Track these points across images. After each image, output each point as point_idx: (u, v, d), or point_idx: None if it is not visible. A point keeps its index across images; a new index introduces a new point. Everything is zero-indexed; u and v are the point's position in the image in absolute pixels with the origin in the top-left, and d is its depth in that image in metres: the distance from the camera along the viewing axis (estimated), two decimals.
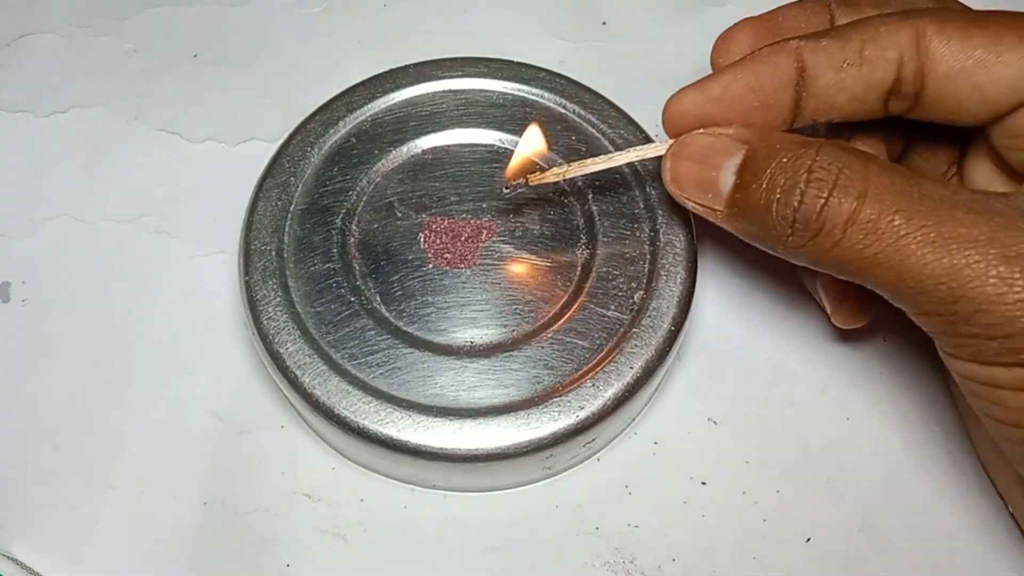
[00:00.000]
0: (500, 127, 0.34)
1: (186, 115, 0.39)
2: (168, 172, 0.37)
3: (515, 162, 0.31)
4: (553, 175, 0.30)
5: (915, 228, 0.23)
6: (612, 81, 0.36)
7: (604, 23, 0.42)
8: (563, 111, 0.34)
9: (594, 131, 0.33)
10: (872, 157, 0.24)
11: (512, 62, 0.35)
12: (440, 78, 0.34)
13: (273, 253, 0.30)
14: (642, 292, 0.30)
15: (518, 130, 0.33)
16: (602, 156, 0.30)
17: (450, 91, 0.34)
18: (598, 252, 0.31)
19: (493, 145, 0.33)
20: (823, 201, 0.24)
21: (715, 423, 0.32)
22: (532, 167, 0.31)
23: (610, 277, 0.31)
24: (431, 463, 0.28)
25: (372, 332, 0.29)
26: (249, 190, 0.32)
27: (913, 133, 0.29)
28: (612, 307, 0.30)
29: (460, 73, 0.34)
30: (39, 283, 0.34)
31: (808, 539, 0.30)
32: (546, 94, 0.34)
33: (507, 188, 0.31)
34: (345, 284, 0.30)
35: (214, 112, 0.39)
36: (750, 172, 0.26)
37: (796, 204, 0.24)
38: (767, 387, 0.33)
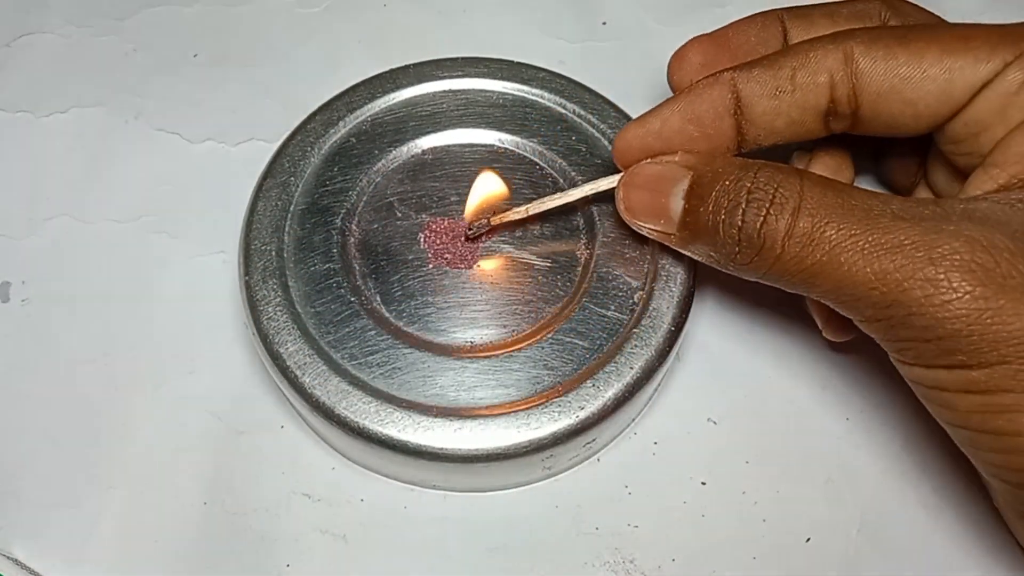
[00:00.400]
0: (500, 127, 0.34)
1: (186, 115, 0.39)
2: (168, 172, 0.37)
3: (474, 204, 0.32)
4: (515, 214, 0.31)
5: (845, 237, 0.24)
6: (612, 81, 0.36)
7: (604, 23, 0.42)
8: (563, 111, 0.34)
9: (594, 131, 0.34)
10: (807, 174, 0.26)
11: (512, 62, 0.35)
12: (440, 78, 0.34)
13: (273, 253, 0.30)
14: (642, 292, 0.30)
15: (518, 130, 0.33)
16: (559, 193, 0.31)
17: (450, 91, 0.34)
18: (598, 252, 0.31)
19: (493, 145, 0.33)
20: (762, 218, 0.25)
21: (715, 423, 0.32)
22: (493, 206, 0.32)
23: (610, 277, 0.31)
24: (431, 463, 0.28)
25: (372, 332, 0.29)
26: (249, 190, 0.32)
27: (882, 143, 0.29)
28: (612, 307, 0.30)
29: (460, 73, 0.34)
30: (39, 283, 0.34)
31: (808, 539, 0.30)
32: (546, 94, 0.34)
33: (470, 230, 0.31)
34: (345, 284, 0.30)
35: (214, 112, 0.39)
36: (697, 196, 0.27)
37: (740, 223, 0.25)
38: (767, 387, 0.33)
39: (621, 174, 0.30)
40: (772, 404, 0.32)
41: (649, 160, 0.29)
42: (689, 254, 0.29)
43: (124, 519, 0.30)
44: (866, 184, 0.35)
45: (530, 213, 0.31)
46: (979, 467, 0.26)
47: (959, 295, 0.22)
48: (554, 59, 0.40)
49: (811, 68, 0.27)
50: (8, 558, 0.29)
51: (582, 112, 0.34)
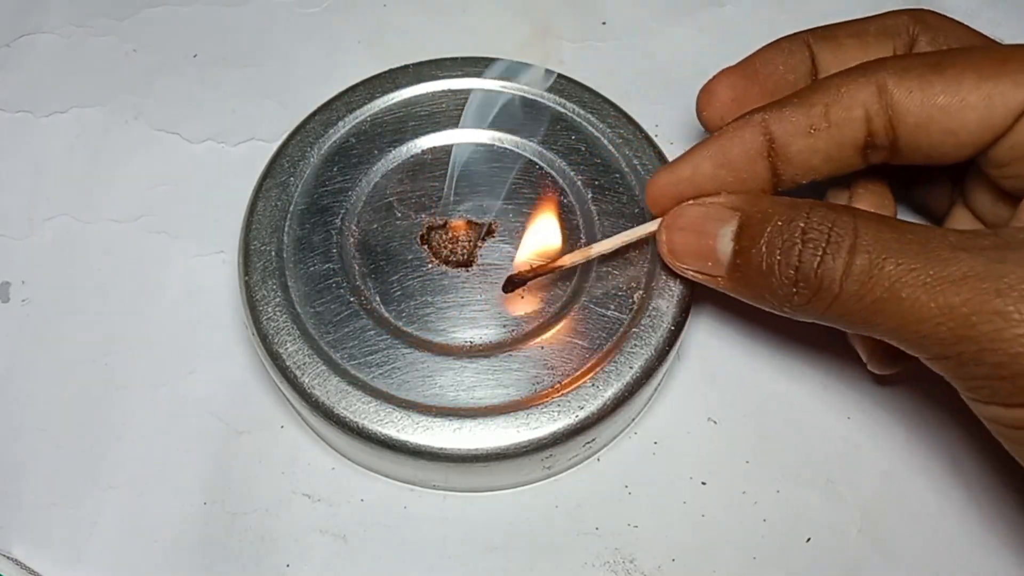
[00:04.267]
0: (499, 127, 0.34)
1: (186, 115, 0.39)
2: (168, 172, 0.37)
3: (524, 256, 0.31)
4: (566, 261, 0.30)
5: (905, 272, 0.23)
6: (612, 81, 0.36)
7: (604, 23, 0.42)
8: (563, 111, 0.34)
9: (594, 131, 0.34)
10: (859, 211, 0.25)
11: (511, 62, 0.35)
12: (439, 78, 0.34)
13: (273, 253, 0.30)
14: (642, 292, 0.30)
15: (517, 130, 0.33)
16: (597, 243, 0.30)
17: (449, 91, 0.34)
18: None
19: (492, 145, 0.33)
20: (819, 259, 0.24)
21: (715, 423, 0.32)
22: (539, 258, 0.31)
23: (610, 277, 0.31)
24: (431, 463, 0.28)
25: (372, 332, 0.29)
26: (249, 190, 0.32)
27: (913, 170, 0.29)
28: (612, 307, 0.30)
29: (459, 73, 0.34)
30: (39, 283, 0.34)
31: (808, 539, 0.30)
32: (545, 94, 0.34)
33: (510, 285, 0.30)
34: (345, 284, 0.30)
35: (214, 112, 0.39)
36: (748, 237, 0.26)
37: (796, 264, 0.25)
38: (767, 387, 0.33)
39: (660, 219, 0.29)
40: (772, 404, 0.32)
41: (692, 202, 0.28)
42: (737, 296, 0.28)
43: (124, 519, 0.30)
44: (899, 213, 0.35)
45: (568, 266, 0.30)
46: None
47: None
48: (554, 59, 0.40)
49: (845, 103, 0.26)
50: (8, 558, 0.29)
51: (581, 111, 0.34)
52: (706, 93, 0.31)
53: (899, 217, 0.33)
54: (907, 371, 0.32)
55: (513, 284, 0.30)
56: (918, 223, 0.25)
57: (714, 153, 0.28)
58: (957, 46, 0.29)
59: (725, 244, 0.27)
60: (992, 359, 0.22)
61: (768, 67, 0.31)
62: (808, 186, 0.29)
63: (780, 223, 0.25)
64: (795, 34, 0.31)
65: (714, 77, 0.31)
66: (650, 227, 0.29)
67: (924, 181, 0.33)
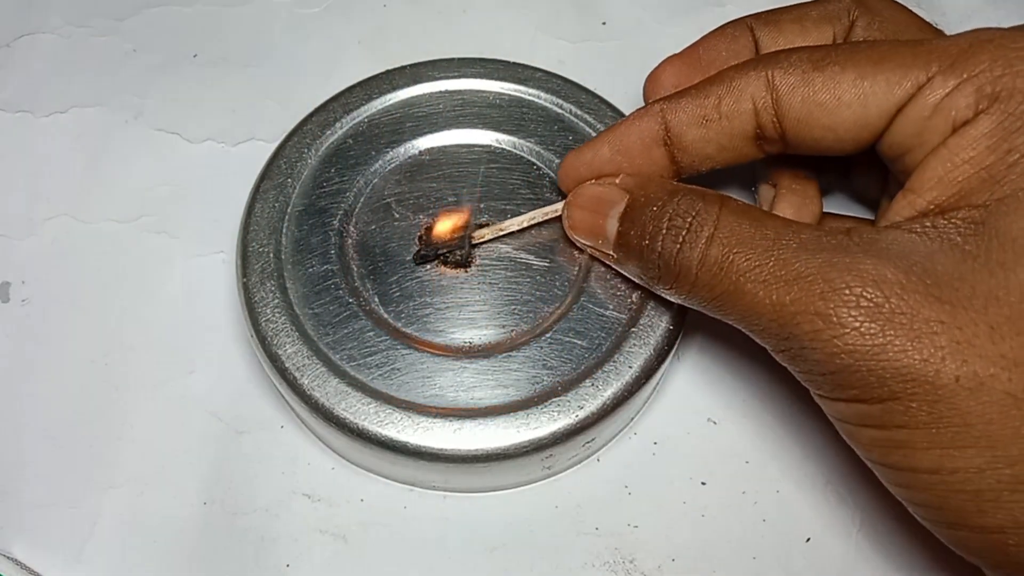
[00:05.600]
0: (497, 127, 0.34)
1: (186, 115, 0.39)
2: (168, 172, 0.37)
3: (440, 230, 0.32)
4: (476, 236, 0.31)
5: (751, 267, 0.24)
6: (612, 81, 0.36)
7: (604, 23, 0.42)
8: (560, 111, 0.34)
9: (591, 131, 0.34)
10: (728, 201, 0.26)
11: (508, 62, 0.35)
12: (436, 79, 0.34)
13: (271, 255, 0.30)
14: (641, 291, 0.30)
15: (515, 130, 0.33)
16: (514, 219, 0.31)
17: (446, 92, 0.34)
18: None
19: (490, 146, 0.33)
20: (678, 247, 0.25)
21: (715, 423, 0.32)
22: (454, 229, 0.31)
23: (608, 277, 0.31)
24: (431, 464, 0.28)
25: (371, 333, 0.29)
26: (249, 190, 0.32)
27: (848, 157, 0.29)
28: (611, 307, 0.30)
29: (456, 74, 0.34)
30: (39, 283, 0.34)
31: (808, 539, 0.30)
32: (543, 94, 0.34)
33: (424, 252, 0.31)
34: (343, 285, 0.30)
35: (214, 112, 0.39)
36: (629, 220, 0.27)
37: (659, 249, 0.26)
38: (767, 387, 0.33)
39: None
40: (772, 404, 0.32)
41: (593, 181, 0.29)
42: (625, 274, 0.29)
43: (124, 519, 0.30)
44: (838, 200, 0.35)
45: (477, 241, 0.31)
46: (895, 494, 0.25)
47: (846, 330, 0.22)
48: (554, 59, 0.40)
49: (735, 96, 0.27)
50: (8, 558, 0.29)
51: (579, 112, 0.34)
52: (651, 80, 0.32)
53: (839, 209, 0.34)
54: None
55: (423, 257, 0.31)
56: (783, 218, 0.25)
57: (613, 139, 0.29)
58: (892, 32, 0.29)
59: (612, 224, 0.28)
60: (813, 356, 0.23)
61: (711, 53, 0.31)
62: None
63: (655, 208, 0.26)
64: (739, 19, 0.32)
65: (660, 65, 0.32)
66: (560, 206, 0.30)
67: (858, 169, 0.33)
